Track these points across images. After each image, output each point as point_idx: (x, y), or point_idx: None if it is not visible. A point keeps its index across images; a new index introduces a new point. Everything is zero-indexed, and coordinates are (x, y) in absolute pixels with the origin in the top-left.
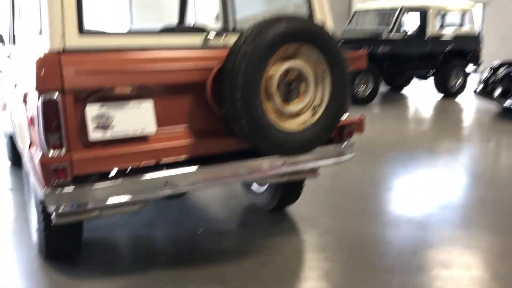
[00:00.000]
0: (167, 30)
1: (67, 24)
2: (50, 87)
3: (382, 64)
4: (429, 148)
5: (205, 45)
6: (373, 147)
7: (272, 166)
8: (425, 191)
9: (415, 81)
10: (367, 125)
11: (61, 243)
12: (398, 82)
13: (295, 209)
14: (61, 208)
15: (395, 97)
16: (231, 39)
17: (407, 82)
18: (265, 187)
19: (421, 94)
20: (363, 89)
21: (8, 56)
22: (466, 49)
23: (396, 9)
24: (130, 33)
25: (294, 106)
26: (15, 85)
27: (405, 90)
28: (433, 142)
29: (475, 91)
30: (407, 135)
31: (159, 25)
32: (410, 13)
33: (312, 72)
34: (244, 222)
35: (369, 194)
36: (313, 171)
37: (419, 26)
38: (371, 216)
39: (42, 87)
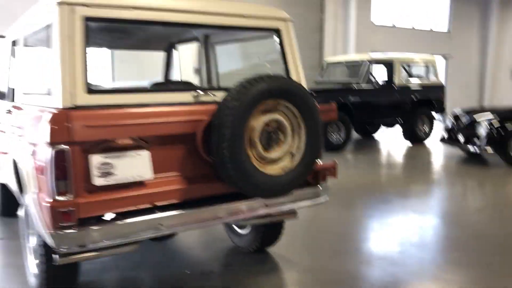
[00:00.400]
0: (162, 88)
1: (77, 86)
2: (61, 140)
3: (353, 113)
4: (399, 191)
5: (196, 101)
6: (347, 191)
7: (257, 207)
8: (396, 231)
9: (383, 129)
10: (341, 170)
11: (59, 285)
12: (367, 130)
13: (275, 250)
14: (66, 248)
15: (366, 143)
16: (218, 96)
17: (375, 129)
18: (248, 229)
19: (391, 140)
20: (336, 137)
21: (9, 111)
22: (432, 98)
23: (364, 61)
24: (130, 91)
25: (274, 153)
26: (20, 138)
27: (376, 137)
28: (402, 185)
29: (441, 138)
30: (378, 180)
31: (143, 81)
32: (377, 65)
33: (289, 123)
34: (227, 263)
35: (344, 234)
36: (293, 213)
37: (387, 77)
38: (346, 254)
39: (53, 140)
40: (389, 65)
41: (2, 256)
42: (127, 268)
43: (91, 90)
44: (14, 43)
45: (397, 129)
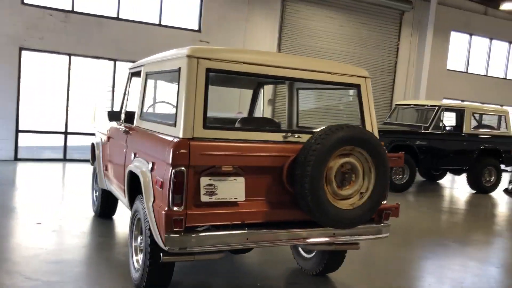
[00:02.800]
0: (260, 129)
1: (196, 121)
2: (181, 163)
3: (418, 156)
4: (458, 238)
5: (285, 140)
6: (407, 232)
7: (327, 235)
8: (450, 275)
9: (449, 176)
10: (403, 211)
11: (158, 278)
12: (432, 175)
13: (335, 276)
14: (172, 248)
15: (429, 187)
16: (303, 138)
17: (441, 176)
18: (313, 253)
19: (455, 187)
20: (400, 178)
21: (127, 131)
22: (501, 149)
23: (435, 107)
24: (235, 129)
25: (346, 191)
26: (140, 155)
27: (440, 182)
28: (462, 232)
29: (505, 190)
30: (438, 224)
31: (223, 114)
32: (447, 112)
33: (361, 167)
34: (294, 281)
35: (399, 271)
36: (356, 244)
37: (456, 123)
38: None
39: (175, 163)
40: (459, 112)
41: (100, 252)
42: (206, 274)
43: (207, 126)
44: (133, 74)
45: (464, 177)
